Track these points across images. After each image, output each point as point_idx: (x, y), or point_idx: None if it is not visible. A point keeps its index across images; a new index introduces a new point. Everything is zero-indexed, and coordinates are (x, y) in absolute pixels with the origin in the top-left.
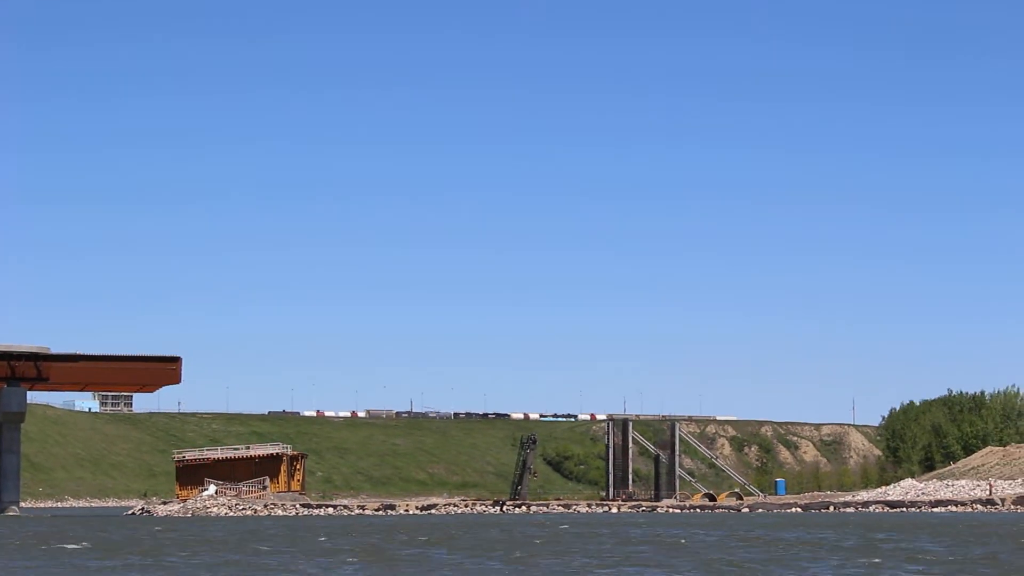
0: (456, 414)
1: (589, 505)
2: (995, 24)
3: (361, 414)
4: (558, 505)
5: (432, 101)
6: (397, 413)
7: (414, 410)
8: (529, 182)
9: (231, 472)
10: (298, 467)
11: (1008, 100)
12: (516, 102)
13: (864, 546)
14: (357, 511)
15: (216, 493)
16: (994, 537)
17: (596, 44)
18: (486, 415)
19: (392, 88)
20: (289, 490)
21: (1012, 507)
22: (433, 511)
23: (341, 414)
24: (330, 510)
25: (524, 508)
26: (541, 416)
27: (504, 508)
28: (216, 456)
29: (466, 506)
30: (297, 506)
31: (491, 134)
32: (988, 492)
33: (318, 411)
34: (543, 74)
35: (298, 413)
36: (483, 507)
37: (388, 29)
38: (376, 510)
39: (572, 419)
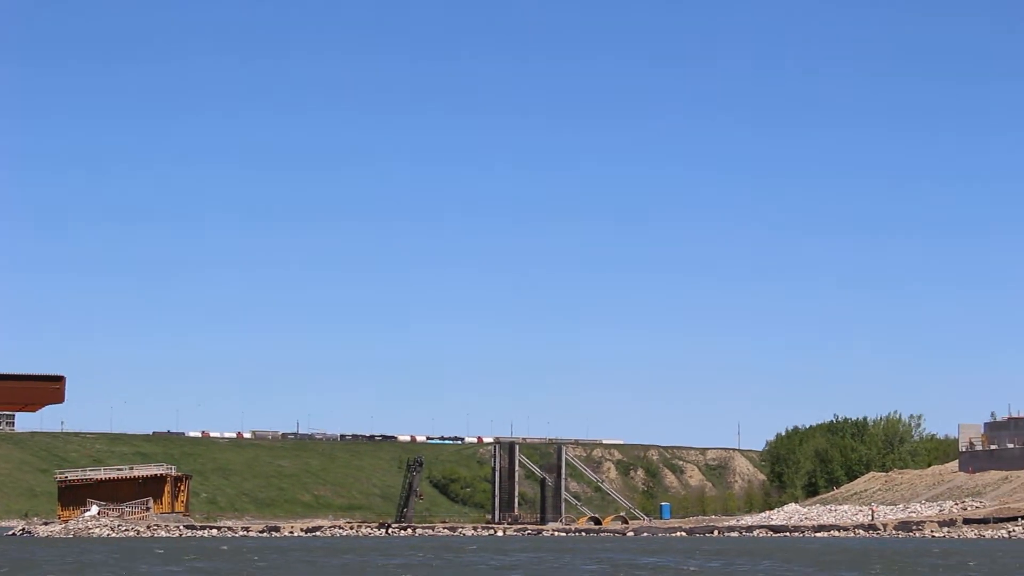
0: (342, 436)
1: (475, 528)
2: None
3: (247, 435)
4: (444, 528)
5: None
6: (283, 434)
7: (300, 432)
8: (409, 203)
9: (114, 493)
10: (182, 488)
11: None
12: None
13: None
14: (241, 533)
15: (98, 514)
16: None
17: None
18: (372, 437)
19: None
20: (173, 511)
21: (894, 532)
22: (318, 533)
23: (226, 435)
24: (214, 531)
25: (410, 531)
26: (428, 438)
27: (389, 531)
28: (99, 476)
29: (351, 528)
30: (180, 527)
31: (368, 155)
32: (870, 517)
33: (203, 432)
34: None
35: (183, 433)
36: (368, 529)
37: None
38: (260, 532)
39: (459, 442)
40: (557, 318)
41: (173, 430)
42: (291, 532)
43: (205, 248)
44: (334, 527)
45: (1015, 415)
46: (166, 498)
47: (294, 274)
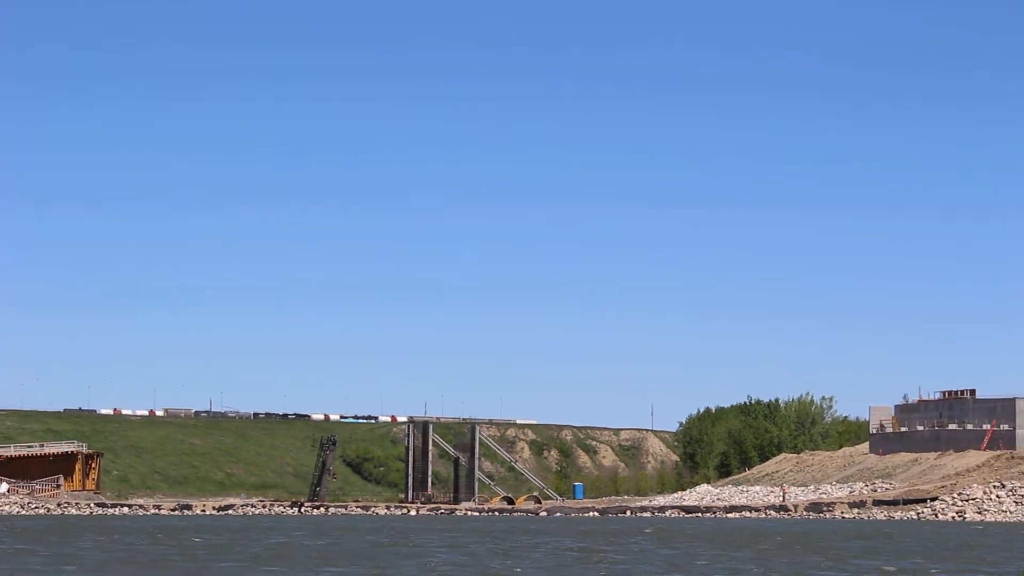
0: (256, 414)
1: (388, 507)
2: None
3: (159, 413)
4: (357, 507)
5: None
6: (196, 412)
7: (213, 409)
8: (317, 185)
9: (24, 470)
10: (93, 466)
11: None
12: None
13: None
14: (153, 511)
15: (8, 491)
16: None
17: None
18: (286, 415)
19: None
20: (84, 489)
21: (804, 513)
22: (230, 511)
23: (139, 412)
24: (125, 509)
25: (323, 509)
26: (342, 417)
27: (302, 509)
28: (9, 454)
29: (264, 507)
30: (92, 505)
31: (273, 139)
32: (781, 498)
33: (115, 409)
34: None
35: (94, 411)
36: (281, 508)
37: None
38: (172, 510)
39: (373, 421)
40: (472, 297)
41: (84, 407)
42: (203, 510)
43: (116, 226)
44: (246, 505)
45: (925, 398)
46: (77, 476)
47: (207, 253)
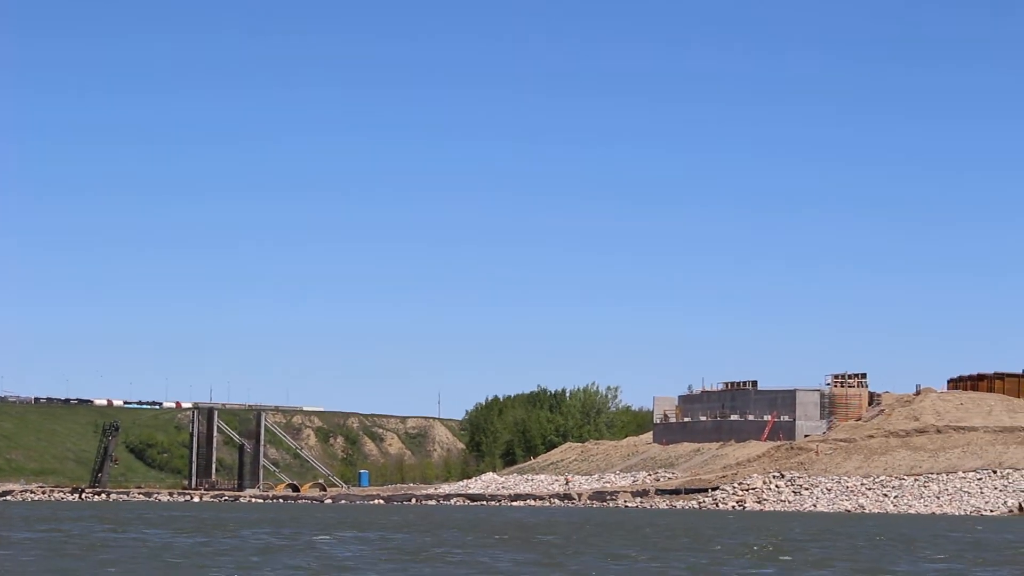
0: (37, 399)
1: (171, 494)
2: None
3: None
4: (139, 493)
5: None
6: None
7: None
8: (119, 180)
9: None
10: None
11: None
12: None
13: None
14: None
15: None
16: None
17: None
18: (68, 401)
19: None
20: None
21: (588, 502)
22: (9, 497)
23: None
24: None
25: (104, 496)
26: (125, 403)
27: (83, 496)
28: None
29: (44, 493)
30: None
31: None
32: (565, 487)
33: None
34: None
35: None
36: (61, 494)
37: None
38: None
39: (157, 407)
40: (259, 284)
41: None
42: None
43: None
44: (26, 491)
45: (708, 388)
46: None
47: None
